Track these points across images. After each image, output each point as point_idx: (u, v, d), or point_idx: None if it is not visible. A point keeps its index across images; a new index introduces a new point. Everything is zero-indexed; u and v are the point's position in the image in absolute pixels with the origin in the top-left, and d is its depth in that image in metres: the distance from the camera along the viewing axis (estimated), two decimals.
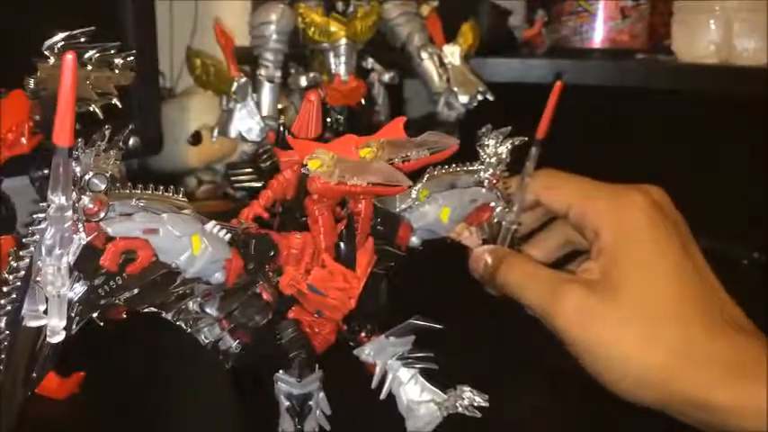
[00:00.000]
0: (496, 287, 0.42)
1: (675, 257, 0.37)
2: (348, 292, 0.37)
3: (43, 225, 0.27)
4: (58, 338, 0.27)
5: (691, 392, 0.34)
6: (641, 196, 0.38)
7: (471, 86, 0.66)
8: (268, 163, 0.63)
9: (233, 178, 0.74)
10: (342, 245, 0.38)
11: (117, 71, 0.42)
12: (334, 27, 0.62)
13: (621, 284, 0.36)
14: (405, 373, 0.42)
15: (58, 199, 0.26)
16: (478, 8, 0.92)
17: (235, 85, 0.60)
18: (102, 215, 0.29)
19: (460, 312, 0.61)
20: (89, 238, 0.28)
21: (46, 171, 0.45)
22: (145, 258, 0.30)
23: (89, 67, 0.41)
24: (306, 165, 0.34)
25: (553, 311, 0.37)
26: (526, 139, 0.43)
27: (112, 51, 0.41)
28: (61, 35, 0.39)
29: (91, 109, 0.42)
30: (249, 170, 0.71)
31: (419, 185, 0.42)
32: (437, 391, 0.42)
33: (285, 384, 0.38)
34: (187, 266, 0.32)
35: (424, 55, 0.66)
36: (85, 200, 0.28)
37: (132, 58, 0.42)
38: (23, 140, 0.43)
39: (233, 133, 0.61)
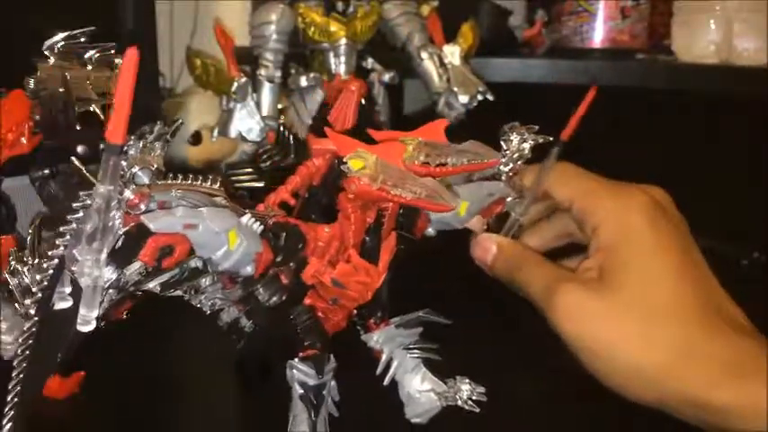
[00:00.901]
0: (499, 277, 0.42)
1: (676, 258, 0.37)
2: (368, 286, 0.38)
3: (81, 215, 0.27)
4: (89, 328, 0.27)
5: (690, 392, 0.34)
6: (643, 196, 0.38)
7: (471, 86, 0.66)
8: (268, 163, 0.63)
9: (233, 178, 0.75)
10: (368, 240, 0.38)
11: (117, 71, 0.42)
12: (334, 27, 0.62)
13: (621, 283, 0.36)
14: (409, 363, 0.43)
15: (105, 190, 0.26)
16: (478, 8, 0.92)
17: (235, 85, 0.60)
18: (142, 207, 0.29)
19: (468, 306, 0.62)
20: (126, 229, 0.28)
21: (46, 171, 0.45)
22: (182, 253, 0.30)
23: (89, 67, 0.41)
24: (346, 162, 0.33)
25: (552, 308, 0.37)
26: (551, 138, 0.43)
27: (112, 51, 0.42)
28: (61, 35, 0.39)
29: (91, 109, 0.42)
30: (249, 170, 0.71)
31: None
32: (438, 381, 0.43)
33: (301, 374, 0.38)
34: (222, 261, 0.32)
35: (424, 55, 0.66)
36: (128, 192, 0.28)
37: None
38: (23, 140, 0.43)
39: (233, 133, 0.61)
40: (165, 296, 0.33)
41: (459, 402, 0.43)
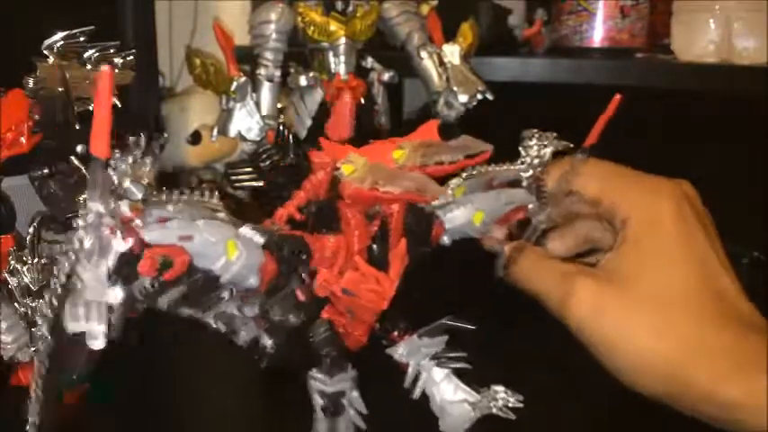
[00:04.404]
0: (511, 279, 0.42)
1: (698, 251, 0.37)
2: (381, 294, 0.37)
3: (81, 233, 0.27)
4: (98, 344, 0.27)
5: (698, 386, 0.34)
6: (673, 189, 0.38)
7: (471, 86, 0.66)
8: (267, 162, 0.63)
9: (233, 178, 0.74)
10: (374, 247, 0.38)
11: (117, 71, 0.42)
12: (333, 26, 0.62)
13: (637, 274, 0.36)
14: (438, 373, 0.42)
15: (95, 207, 0.26)
16: (478, 8, 0.92)
17: (234, 84, 0.60)
18: (138, 222, 0.29)
19: (487, 313, 0.61)
20: (127, 245, 0.28)
21: (45, 170, 0.45)
22: (181, 264, 0.30)
23: (89, 67, 0.41)
24: (339, 169, 0.34)
25: (564, 306, 0.37)
26: (572, 145, 0.43)
27: (112, 51, 0.42)
28: (61, 35, 0.39)
29: (90, 108, 0.42)
30: (249, 170, 0.71)
31: (456, 181, 0.42)
32: (471, 391, 0.42)
33: (317, 382, 0.38)
34: (223, 272, 0.32)
35: (424, 54, 0.66)
36: (122, 207, 0.28)
37: (132, 57, 0.43)
38: (23, 140, 0.43)
39: (233, 132, 0.61)
40: (176, 314, 0.33)
41: (494, 410, 0.41)
